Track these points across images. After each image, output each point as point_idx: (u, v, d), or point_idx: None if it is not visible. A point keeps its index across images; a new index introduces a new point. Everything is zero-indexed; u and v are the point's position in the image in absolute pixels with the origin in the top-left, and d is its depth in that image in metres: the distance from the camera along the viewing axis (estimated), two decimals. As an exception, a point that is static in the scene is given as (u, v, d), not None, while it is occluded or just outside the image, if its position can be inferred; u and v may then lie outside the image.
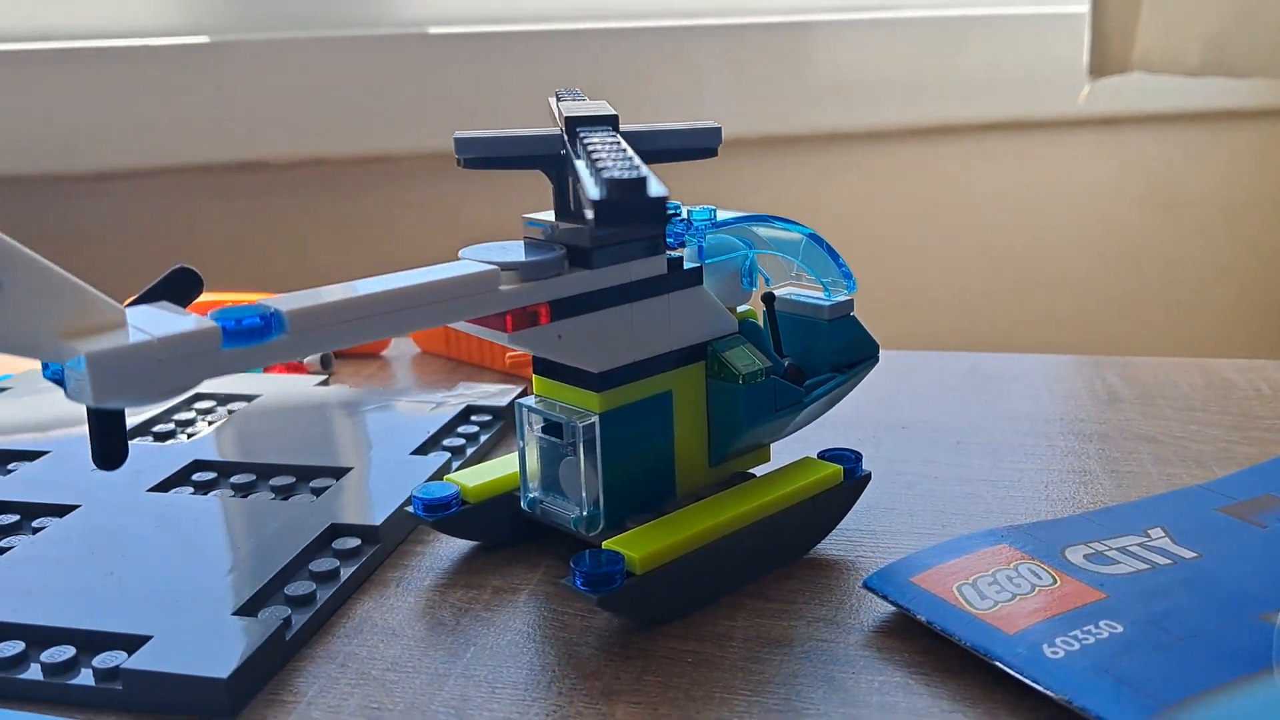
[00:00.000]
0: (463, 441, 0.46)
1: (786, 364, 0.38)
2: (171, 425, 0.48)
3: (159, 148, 1.07)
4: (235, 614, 0.32)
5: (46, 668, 0.31)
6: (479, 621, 0.34)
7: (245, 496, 0.41)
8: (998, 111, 1.20)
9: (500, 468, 0.39)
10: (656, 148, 0.33)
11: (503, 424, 0.49)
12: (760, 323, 0.39)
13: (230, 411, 0.50)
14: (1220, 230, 1.26)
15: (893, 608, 0.33)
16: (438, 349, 0.61)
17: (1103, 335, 1.28)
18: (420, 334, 0.61)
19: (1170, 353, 1.28)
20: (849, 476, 0.38)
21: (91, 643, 0.31)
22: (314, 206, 1.15)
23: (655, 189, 0.23)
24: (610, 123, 0.32)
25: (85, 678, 0.30)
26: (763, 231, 0.39)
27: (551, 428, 0.35)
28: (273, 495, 0.41)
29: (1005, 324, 1.30)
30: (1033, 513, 0.40)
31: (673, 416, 0.36)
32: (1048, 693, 0.28)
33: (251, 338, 0.27)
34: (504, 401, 0.49)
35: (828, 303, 0.39)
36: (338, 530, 0.38)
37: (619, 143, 0.28)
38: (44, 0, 1.09)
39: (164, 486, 0.42)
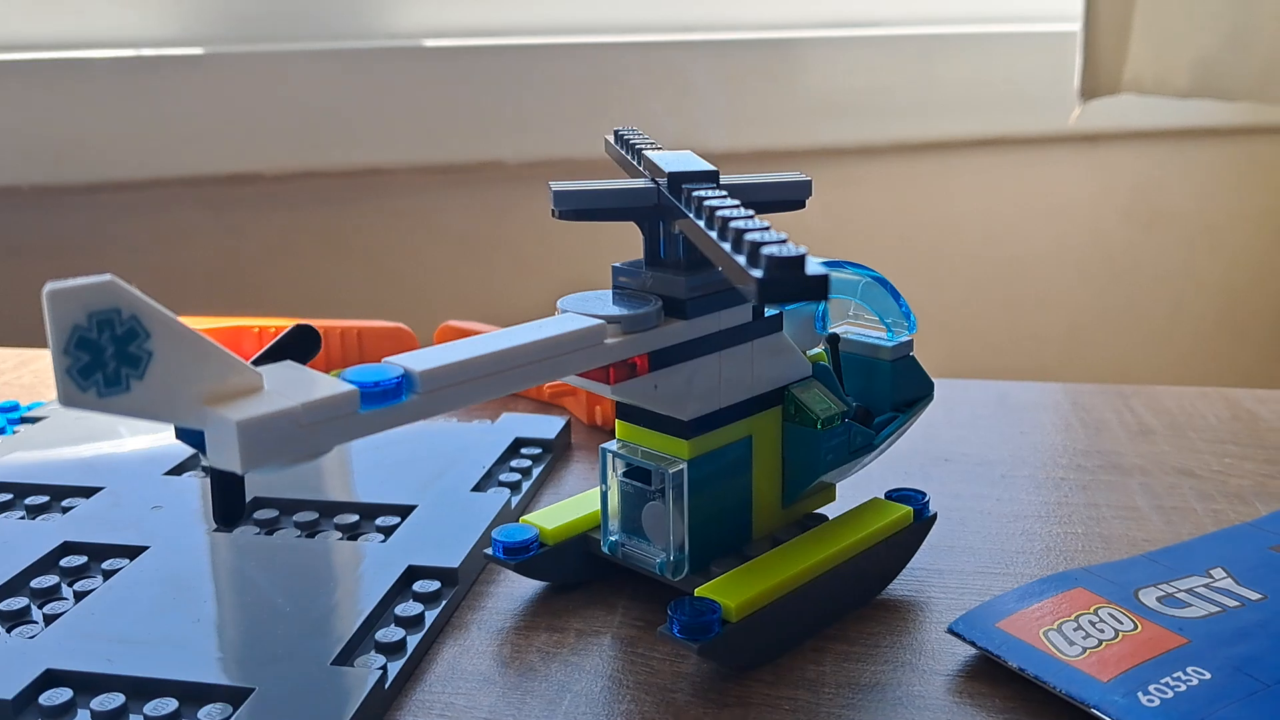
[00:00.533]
0: (518, 476, 0.46)
1: (854, 406, 0.39)
2: (220, 459, 0.48)
3: (150, 159, 1.06)
4: (333, 664, 0.33)
5: (149, 720, 0.31)
6: (569, 667, 0.34)
7: (312, 536, 0.41)
8: (983, 128, 1.22)
9: (573, 509, 0.39)
10: (755, 200, 0.33)
11: (552, 456, 0.49)
12: (828, 364, 0.39)
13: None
14: (1202, 246, 1.29)
15: (974, 652, 0.34)
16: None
17: (1087, 351, 1.31)
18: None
19: (1150, 368, 1.31)
20: (918, 517, 0.39)
21: (191, 694, 0.31)
22: (306, 219, 1.14)
23: (814, 267, 0.23)
24: (713, 178, 0.32)
25: (190, 731, 0.30)
26: (833, 275, 0.39)
27: (638, 473, 0.35)
28: (340, 535, 0.41)
29: (991, 339, 1.32)
30: (1090, 550, 0.41)
31: (752, 461, 0.37)
32: (1151, 741, 0.29)
33: (387, 399, 0.27)
34: (552, 434, 0.50)
35: (890, 343, 0.40)
36: (415, 573, 0.38)
37: (739, 206, 0.28)
38: (33, 10, 1.07)
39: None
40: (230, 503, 0.29)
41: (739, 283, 0.25)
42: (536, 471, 0.47)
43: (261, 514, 0.43)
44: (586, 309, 0.32)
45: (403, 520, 0.42)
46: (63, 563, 0.39)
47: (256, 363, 0.28)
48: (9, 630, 0.35)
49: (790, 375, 0.37)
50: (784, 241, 0.25)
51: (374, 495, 0.44)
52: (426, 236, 1.18)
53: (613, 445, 0.36)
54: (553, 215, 0.34)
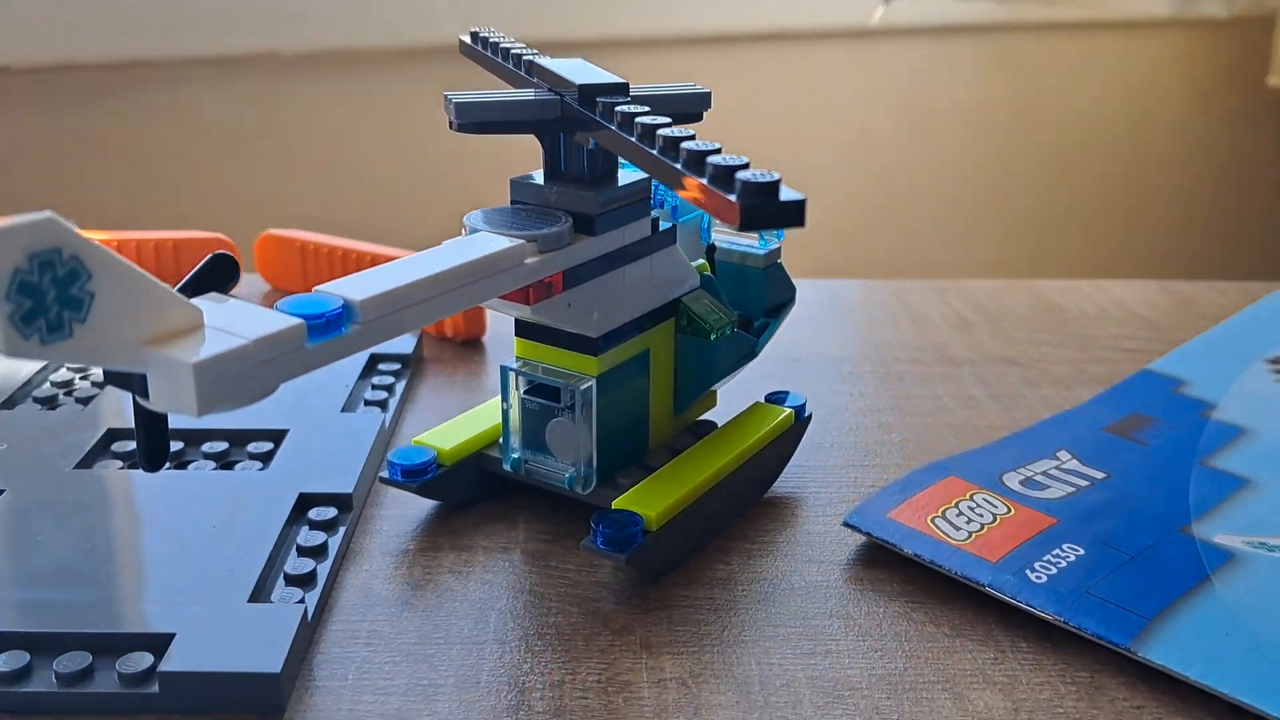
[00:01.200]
0: (383, 394, 0.45)
1: (737, 315, 0.40)
2: (55, 393, 0.44)
3: None
4: (250, 601, 0.32)
5: (61, 678, 0.29)
6: (486, 585, 0.34)
7: (183, 467, 0.39)
8: (758, 22, 1.24)
9: (465, 427, 0.39)
10: (664, 112, 0.33)
11: (410, 373, 0.48)
12: (711, 274, 0.40)
13: (109, 370, 0.46)
14: (964, 136, 1.37)
15: (863, 541, 0.36)
16: (293, 284, 0.58)
17: (859, 242, 1.38)
18: (271, 264, 0.59)
19: (920, 255, 1.40)
20: (798, 418, 0.40)
21: (104, 646, 0.30)
22: (58, 117, 1.04)
23: (788, 193, 0.24)
24: (624, 90, 0.32)
25: (108, 683, 0.29)
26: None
27: (543, 390, 0.35)
28: (215, 465, 0.39)
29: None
30: (942, 439, 0.44)
31: (649, 374, 0.37)
32: (1043, 615, 0.32)
33: (330, 330, 0.26)
34: (408, 349, 0.49)
35: (763, 250, 0.41)
36: (308, 500, 0.37)
37: (673, 123, 0.28)
38: None
39: (87, 462, 0.39)
40: (157, 444, 0.27)
41: (711, 208, 0.25)
42: (400, 388, 0.46)
43: (120, 445, 0.40)
44: (500, 227, 0.32)
45: (277, 446, 0.40)
46: (-99, 514, 0.36)
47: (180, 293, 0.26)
48: None
49: (683, 287, 0.38)
50: (747, 165, 0.25)
51: (239, 420, 0.42)
52: (192, 134, 1.11)
53: (514, 364, 0.36)
54: (450, 128, 0.33)
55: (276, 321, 0.25)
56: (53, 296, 0.21)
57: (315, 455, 0.39)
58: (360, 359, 0.47)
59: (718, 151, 0.26)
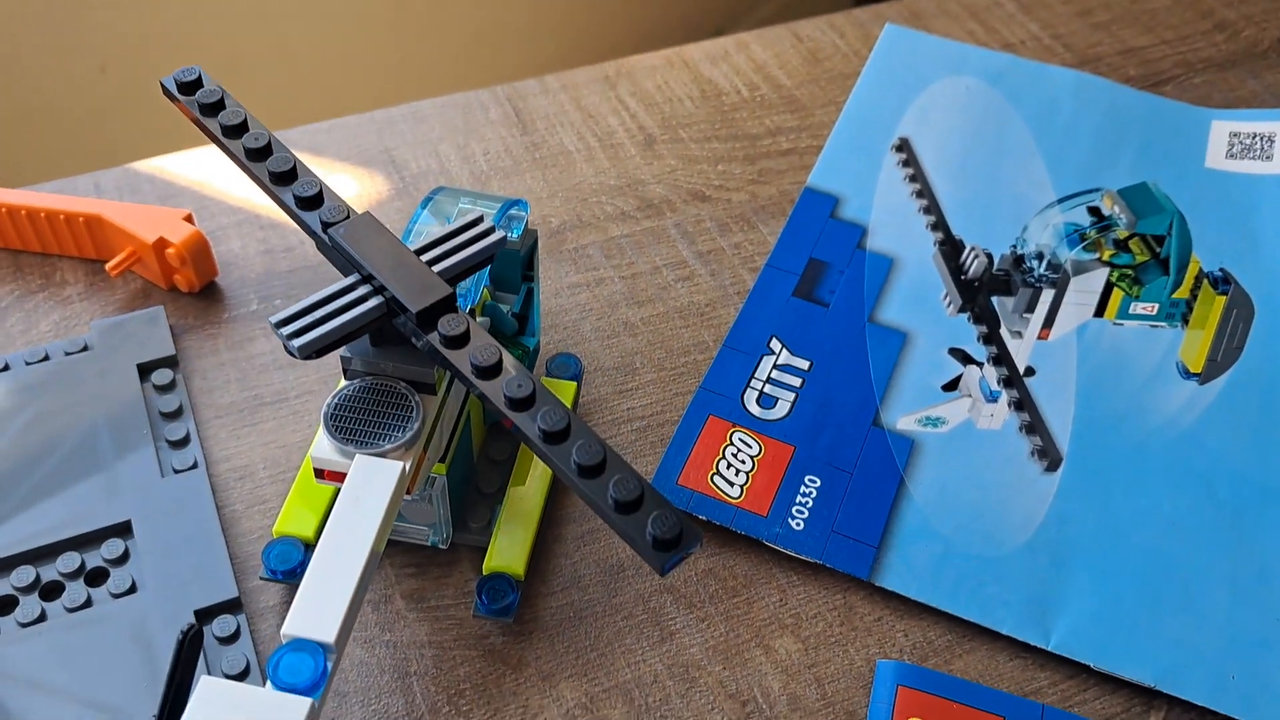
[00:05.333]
0: (181, 430, 0.47)
1: (513, 323, 0.45)
2: None
3: None
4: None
5: None
6: (392, 650, 0.42)
7: (41, 620, 0.41)
8: None
9: (309, 504, 0.43)
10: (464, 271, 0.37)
11: (181, 370, 0.49)
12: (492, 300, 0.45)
13: None
14: None
15: (658, 492, 0.46)
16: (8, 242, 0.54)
17: None
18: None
19: None
20: (578, 383, 0.48)
21: None
22: None
23: (690, 529, 0.31)
24: (452, 305, 0.35)
25: None
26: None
27: (397, 491, 0.41)
28: (84, 600, 0.42)
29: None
30: (679, 338, 0.52)
31: (471, 426, 0.43)
32: (808, 559, 0.44)
33: (324, 678, 0.31)
34: (169, 347, 0.49)
35: (517, 235, 0.45)
36: (201, 616, 0.41)
37: (507, 373, 0.33)
38: None
39: (-45, 631, 0.41)
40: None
41: (632, 546, 0.31)
42: (187, 406, 0.48)
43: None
44: (365, 438, 0.35)
45: (125, 541, 0.43)
46: None
47: (171, 683, 0.30)
48: None
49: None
50: (639, 496, 0.31)
51: (68, 512, 0.43)
52: None
53: (365, 472, 0.40)
54: (290, 356, 0.35)
55: (293, 709, 0.30)
56: None
57: (174, 554, 0.42)
58: (126, 370, 0.48)
59: (567, 427, 0.32)
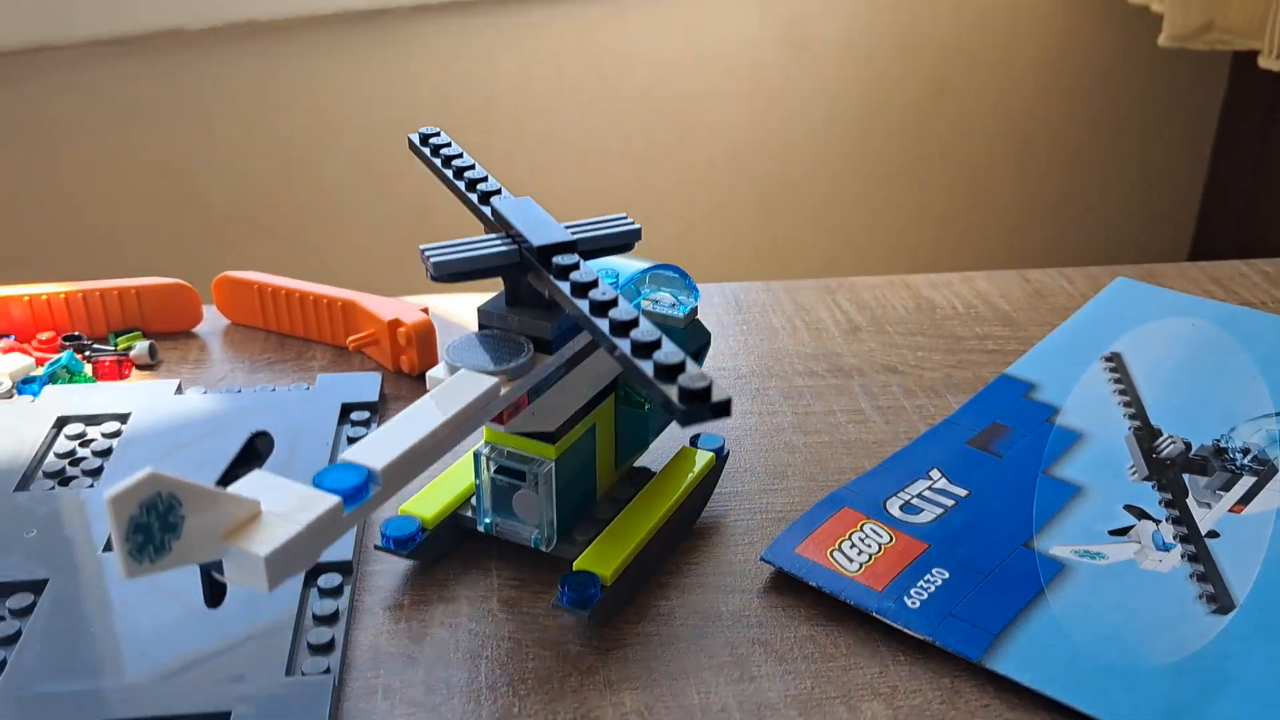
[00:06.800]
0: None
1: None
2: (62, 465, 0.50)
3: None
4: (286, 675, 0.39)
5: (142, 757, 0.36)
6: (473, 635, 0.42)
7: (200, 542, 0.46)
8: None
9: (441, 492, 0.46)
10: (597, 248, 0.41)
11: (379, 417, 0.55)
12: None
13: (107, 435, 0.52)
14: (846, 67, 1.44)
15: (778, 570, 0.45)
16: (253, 321, 0.64)
17: (749, 167, 1.45)
18: (228, 302, 0.64)
19: (802, 174, 1.47)
20: (718, 457, 0.48)
21: (173, 727, 0.37)
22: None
23: (718, 394, 0.31)
24: (573, 249, 0.39)
25: (184, 760, 0.36)
26: (632, 264, 0.47)
27: (509, 470, 0.43)
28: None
29: (667, 167, 1.42)
30: (837, 458, 0.52)
31: (595, 444, 0.45)
32: (918, 635, 0.41)
33: (360, 497, 0.33)
34: (374, 394, 0.55)
35: (683, 313, 0.48)
36: (315, 568, 0.44)
37: (619, 301, 0.35)
38: None
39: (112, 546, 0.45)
40: (218, 588, 0.34)
41: (657, 398, 0.32)
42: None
43: (138, 524, 0.46)
44: (474, 362, 0.39)
45: (277, 512, 0.47)
46: (-37, 605, 0.42)
47: (229, 472, 0.33)
48: (-49, 688, 0.38)
49: (618, 369, 0.45)
50: (684, 362, 0.32)
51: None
52: (102, 114, 1.12)
53: (484, 449, 0.43)
54: (429, 278, 0.39)
55: (320, 501, 0.32)
56: (157, 528, 0.28)
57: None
58: (331, 407, 0.54)
59: (658, 342, 0.33)
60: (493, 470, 0.43)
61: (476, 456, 0.43)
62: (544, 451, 0.42)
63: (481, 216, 0.44)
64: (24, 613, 0.42)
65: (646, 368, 0.33)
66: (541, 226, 0.40)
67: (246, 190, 1.21)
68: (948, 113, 1.52)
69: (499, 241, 0.40)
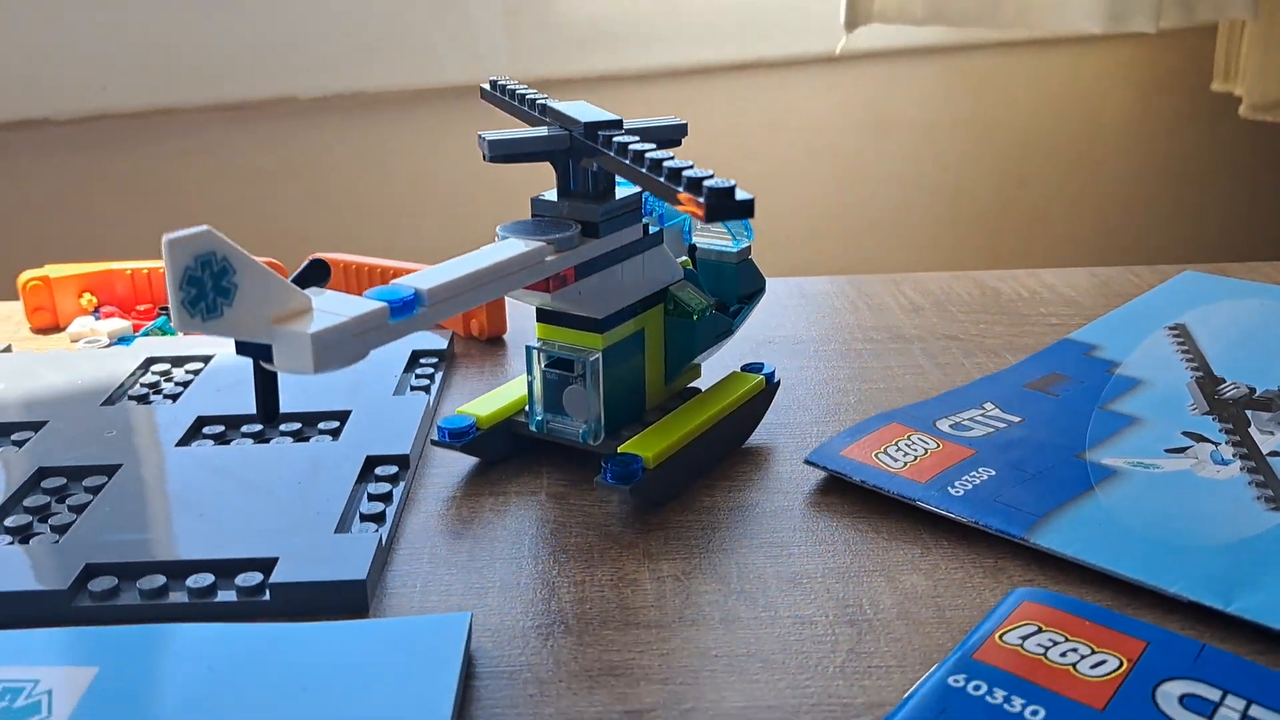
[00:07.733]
0: (426, 382, 0.54)
1: (714, 300, 0.49)
2: (145, 390, 0.53)
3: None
4: (336, 532, 0.40)
5: (192, 591, 0.37)
6: (519, 518, 0.43)
7: (267, 442, 0.48)
8: (735, 54, 1.34)
9: (497, 399, 0.47)
10: (652, 140, 0.43)
11: (446, 365, 0.57)
12: (694, 268, 0.49)
13: (190, 372, 0.55)
14: (925, 149, 1.46)
15: (823, 477, 0.45)
16: (336, 301, 0.67)
17: (828, 246, 1.47)
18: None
19: (884, 255, 1.49)
20: (768, 383, 0.49)
21: (223, 569, 0.38)
22: (96, 163, 1.13)
23: (741, 193, 0.33)
24: (619, 125, 0.41)
25: (227, 595, 0.37)
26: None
27: (560, 363, 0.44)
28: (292, 439, 0.48)
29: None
30: (890, 398, 0.52)
31: (644, 348, 0.46)
32: (959, 518, 0.41)
33: (407, 310, 0.34)
34: (442, 345, 0.57)
35: (736, 249, 0.50)
36: (374, 460, 0.46)
37: (656, 146, 0.37)
38: None
39: (185, 441, 0.48)
40: (272, 400, 0.36)
41: (684, 207, 0.34)
42: (439, 377, 0.55)
43: (210, 429, 0.49)
44: (524, 234, 0.41)
45: (342, 424, 0.49)
46: (45, 484, 0.44)
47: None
48: (25, 541, 0.40)
49: (669, 277, 0.46)
50: (712, 175, 0.34)
51: (311, 404, 0.50)
52: (218, 175, 1.20)
53: (536, 343, 0.45)
54: (484, 159, 0.42)
55: (367, 305, 0.34)
56: (210, 286, 0.30)
57: (375, 427, 0.48)
58: (403, 355, 0.56)
59: (690, 167, 0.35)
60: (544, 364, 0.45)
61: (529, 351, 0.45)
62: (592, 342, 0.44)
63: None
64: (96, 490, 0.44)
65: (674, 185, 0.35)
66: (592, 113, 0.42)
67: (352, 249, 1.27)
68: (1028, 202, 1.53)
69: (552, 128, 0.43)
